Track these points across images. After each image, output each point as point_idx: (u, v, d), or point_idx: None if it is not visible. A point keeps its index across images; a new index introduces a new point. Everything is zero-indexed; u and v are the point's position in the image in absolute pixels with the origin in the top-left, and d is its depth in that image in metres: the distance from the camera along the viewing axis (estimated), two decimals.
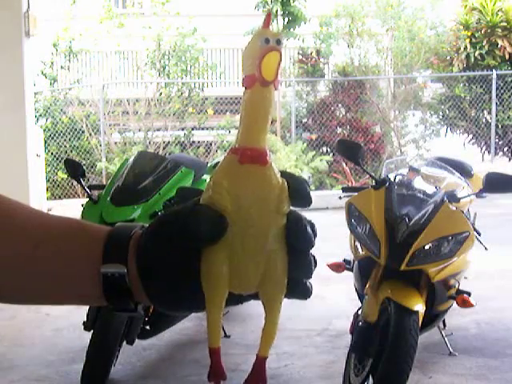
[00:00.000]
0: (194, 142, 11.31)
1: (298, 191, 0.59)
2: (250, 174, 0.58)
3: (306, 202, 0.60)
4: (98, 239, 0.61)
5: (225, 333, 4.09)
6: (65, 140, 10.82)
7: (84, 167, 3.75)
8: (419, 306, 2.98)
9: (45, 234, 0.63)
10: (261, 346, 0.61)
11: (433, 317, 3.28)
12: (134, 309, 0.61)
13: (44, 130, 9.72)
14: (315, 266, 0.60)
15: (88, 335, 3.30)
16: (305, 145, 10.93)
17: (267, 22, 0.58)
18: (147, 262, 0.59)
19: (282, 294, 0.60)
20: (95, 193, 3.72)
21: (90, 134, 10.91)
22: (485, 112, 11.71)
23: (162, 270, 0.59)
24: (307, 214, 0.62)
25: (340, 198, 3.75)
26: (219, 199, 0.58)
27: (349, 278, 3.72)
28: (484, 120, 11.78)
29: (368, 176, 3.78)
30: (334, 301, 4.84)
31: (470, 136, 11.92)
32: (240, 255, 0.58)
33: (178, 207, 0.60)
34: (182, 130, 11.27)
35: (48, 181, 9.88)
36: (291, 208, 0.60)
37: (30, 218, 0.65)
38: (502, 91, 11.35)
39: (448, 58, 11.77)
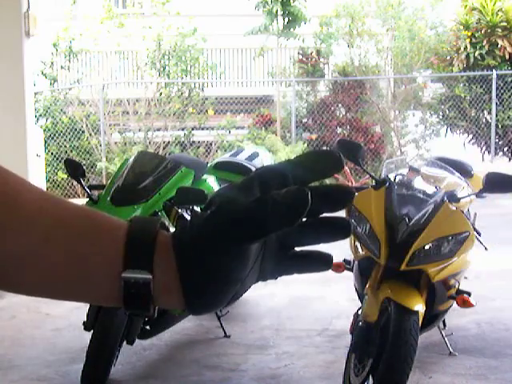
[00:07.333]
0: (194, 142, 11.31)
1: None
2: None
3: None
4: (116, 238, 0.55)
5: (225, 333, 4.09)
6: (65, 140, 10.82)
7: (84, 167, 3.75)
8: (419, 306, 2.98)
9: (56, 227, 0.55)
10: None
11: (433, 317, 3.28)
12: (152, 314, 0.56)
13: (44, 130, 9.72)
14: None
15: (88, 335, 3.30)
16: (305, 145, 10.93)
17: None
18: (198, 276, 0.53)
19: None
20: (95, 193, 3.72)
21: (90, 134, 10.91)
22: (485, 112, 11.70)
23: (216, 280, 0.54)
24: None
25: None
26: None
27: (349, 278, 3.72)
28: (484, 120, 11.76)
29: (368, 176, 3.78)
30: (333, 301, 4.83)
31: (470, 136, 11.91)
32: None
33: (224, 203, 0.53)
34: (182, 130, 11.27)
35: (48, 181, 9.88)
36: None
37: (39, 203, 0.56)
38: (501, 91, 11.33)
39: (448, 57, 11.76)
